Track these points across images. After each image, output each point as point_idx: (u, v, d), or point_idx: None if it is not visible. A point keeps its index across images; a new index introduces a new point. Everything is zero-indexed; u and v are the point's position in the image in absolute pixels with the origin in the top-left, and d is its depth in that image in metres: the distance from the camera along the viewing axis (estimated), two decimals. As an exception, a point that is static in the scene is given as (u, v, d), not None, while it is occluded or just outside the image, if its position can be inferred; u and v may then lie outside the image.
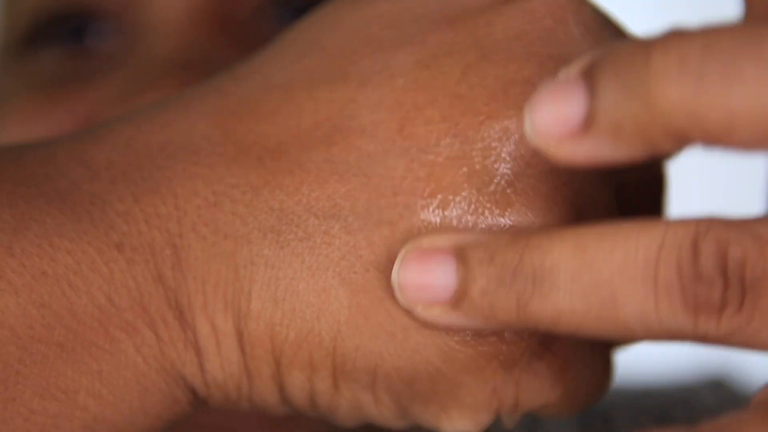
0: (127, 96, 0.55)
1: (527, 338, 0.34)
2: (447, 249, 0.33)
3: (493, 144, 0.34)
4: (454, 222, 0.34)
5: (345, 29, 0.36)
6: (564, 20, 0.35)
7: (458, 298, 0.33)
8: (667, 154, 0.32)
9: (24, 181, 0.35)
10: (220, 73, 0.37)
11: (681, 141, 0.30)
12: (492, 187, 0.34)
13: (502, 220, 0.34)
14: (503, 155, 0.34)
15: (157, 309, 0.34)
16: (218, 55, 0.55)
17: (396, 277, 0.33)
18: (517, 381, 0.34)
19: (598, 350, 0.36)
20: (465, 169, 0.34)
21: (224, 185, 0.34)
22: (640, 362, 0.73)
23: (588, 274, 0.31)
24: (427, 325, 0.34)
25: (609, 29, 0.36)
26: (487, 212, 0.34)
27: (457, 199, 0.34)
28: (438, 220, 0.34)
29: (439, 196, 0.34)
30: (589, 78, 0.30)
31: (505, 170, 0.34)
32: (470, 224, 0.34)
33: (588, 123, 0.30)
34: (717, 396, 0.73)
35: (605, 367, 0.36)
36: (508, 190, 0.34)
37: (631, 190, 0.39)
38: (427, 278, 0.33)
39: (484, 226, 0.34)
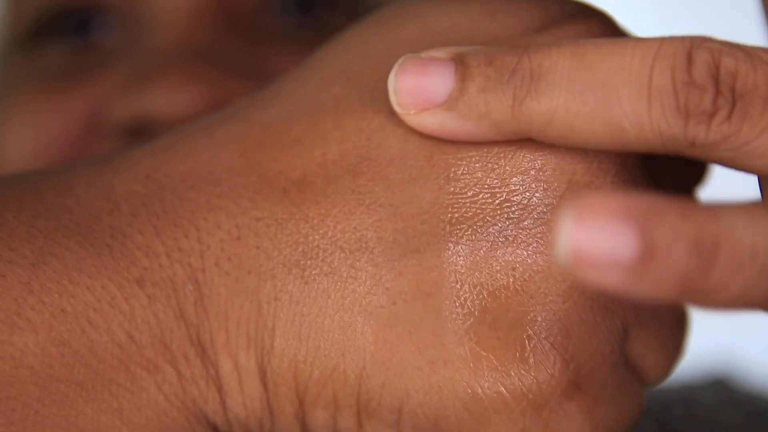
0: (131, 87, 0.54)
1: (558, 376, 0.33)
2: (446, 56, 0.33)
3: (525, 175, 0.33)
4: (484, 250, 0.33)
5: (371, 56, 0.35)
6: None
7: (454, 98, 0.33)
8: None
9: (42, 213, 0.34)
10: (242, 99, 0.36)
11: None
12: (526, 221, 0.33)
13: (531, 251, 0.33)
14: (535, 187, 0.33)
15: (178, 346, 0.33)
16: (222, 47, 0.55)
17: (391, 81, 0.33)
18: (546, 422, 0.34)
19: (627, 387, 0.35)
20: (495, 198, 0.33)
21: (248, 218, 0.34)
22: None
23: (584, 73, 0.31)
24: (418, 128, 0.33)
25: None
26: (516, 244, 0.33)
27: (487, 228, 0.33)
28: (468, 248, 0.33)
29: (468, 224, 0.33)
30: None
31: (536, 201, 0.33)
32: (500, 253, 0.33)
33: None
34: (718, 395, 0.73)
35: (634, 402, 0.36)
36: (539, 222, 0.33)
37: None
38: (424, 80, 0.33)
39: (512, 257, 0.33)
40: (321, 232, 0.34)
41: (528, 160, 0.33)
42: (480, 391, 0.33)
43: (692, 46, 0.31)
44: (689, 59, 0.31)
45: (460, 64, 0.33)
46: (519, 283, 0.33)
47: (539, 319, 0.33)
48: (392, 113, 0.34)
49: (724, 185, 0.44)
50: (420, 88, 0.33)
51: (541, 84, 0.32)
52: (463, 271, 0.33)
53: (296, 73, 0.36)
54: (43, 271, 0.33)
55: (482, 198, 0.33)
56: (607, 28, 0.35)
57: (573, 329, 0.33)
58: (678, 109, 0.31)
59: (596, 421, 0.34)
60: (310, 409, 0.34)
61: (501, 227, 0.33)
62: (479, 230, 0.33)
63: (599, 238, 0.27)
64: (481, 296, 0.33)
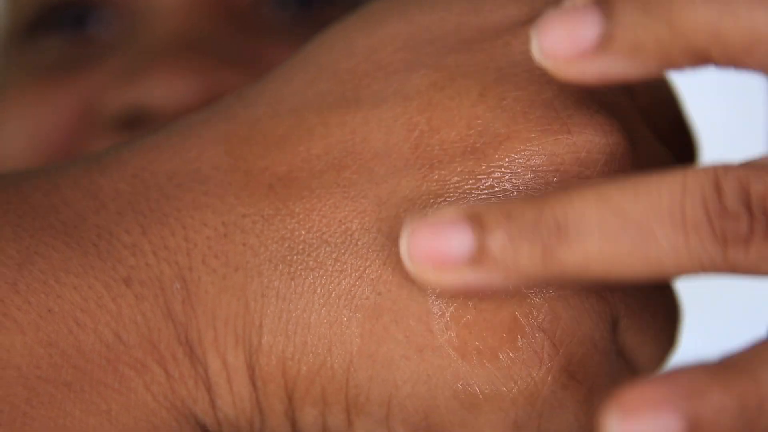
0: (125, 78, 0.54)
1: (547, 360, 0.33)
2: (458, 217, 0.31)
3: (513, 166, 0.33)
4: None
5: (357, 52, 0.35)
6: None
7: (476, 257, 0.31)
8: (682, 70, 0.32)
9: (29, 213, 0.34)
10: (228, 96, 0.36)
11: (700, 59, 0.31)
12: None
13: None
14: (524, 174, 0.33)
15: (166, 345, 0.33)
16: (218, 39, 0.55)
17: (404, 246, 0.31)
18: (540, 413, 0.34)
19: (621, 378, 0.35)
20: (480, 187, 0.33)
21: (234, 215, 0.34)
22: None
23: (615, 218, 0.31)
24: (440, 287, 0.32)
25: None
26: None
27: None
28: None
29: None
30: (604, 4, 0.31)
31: (524, 190, 0.33)
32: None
33: (604, 43, 0.31)
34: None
35: None
36: None
37: None
38: (440, 244, 0.31)
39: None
40: (307, 226, 0.33)
41: (515, 150, 0.33)
42: (469, 376, 0.33)
43: (717, 175, 0.31)
44: (718, 189, 0.31)
45: (477, 223, 0.31)
46: None
47: (527, 303, 0.33)
48: (376, 107, 0.34)
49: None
50: (437, 251, 0.31)
51: (571, 233, 0.31)
52: None
53: (282, 70, 0.36)
54: (29, 271, 0.33)
55: (468, 187, 0.33)
56: None
57: (561, 313, 0.33)
58: (715, 237, 0.31)
59: (592, 412, 0.34)
60: (299, 407, 0.34)
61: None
62: None
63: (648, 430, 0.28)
64: None
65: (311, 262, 0.33)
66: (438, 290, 0.33)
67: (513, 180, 0.33)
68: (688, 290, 0.43)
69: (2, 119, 0.58)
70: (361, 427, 0.34)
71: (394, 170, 0.33)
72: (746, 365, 0.29)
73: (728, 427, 0.28)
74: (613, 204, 0.31)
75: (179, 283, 0.33)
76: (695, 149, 0.39)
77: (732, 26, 0.30)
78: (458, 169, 0.33)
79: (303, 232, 0.33)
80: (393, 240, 0.33)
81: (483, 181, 0.33)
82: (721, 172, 0.31)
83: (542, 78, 0.34)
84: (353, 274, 0.33)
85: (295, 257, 0.33)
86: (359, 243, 0.33)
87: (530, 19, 0.34)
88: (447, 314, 0.33)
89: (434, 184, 0.33)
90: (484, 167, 0.33)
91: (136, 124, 0.53)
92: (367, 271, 0.33)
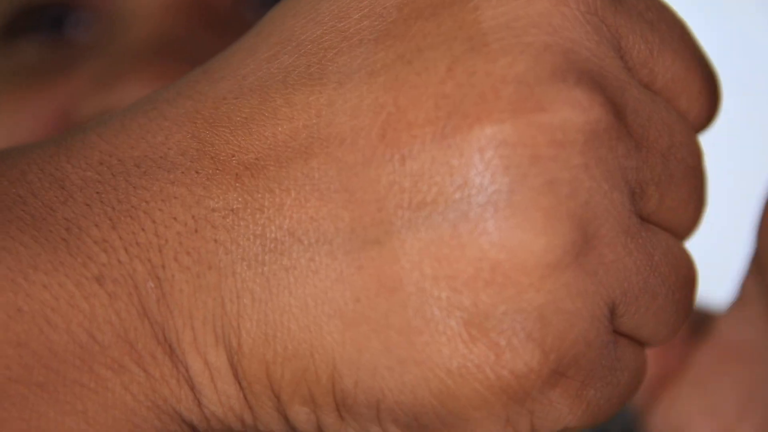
0: (104, 84, 0.53)
1: (537, 368, 0.31)
2: None
3: (485, 150, 0.31)
4: (446, 237, 0.31)
5: (321, 20, 0.33)
6: (563, 2, 0.32)
7: None
8: None
9: None
10: (195, 70, 0.34)
11: None
12: (489, 202, 0.31)
13: (497, 236, 0.31)
14: (497, 165, 0.31)
15: (144, 345, 0.32)
16: (197, 42, 0.54)
17: None
18: (531, 411, 0.32)
19: (621, 362, 0.34)
20: (454, 178, 0.31)
21: (203, 209, 0.32)
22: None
23: None
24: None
25: (619, 9, 0.33)
26: (480, 228, 0.31)
27: (448, 213, 0.31)
28: (429, 235, 0.31)
29: (428, 209, 0.31)
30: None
31: (499, 180, 0.31)
32: (463, 241, 0.31)
33: None
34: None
35: (632, 374, 0.34)
36: (504, 203, 0.31)
37: (654, 191, 0.34)
38: None
39: (478, 243, 0.31)
40: (277, 222, 0.32)
41: (486, 134, 0.31)
42: (454, 389, 0.31)
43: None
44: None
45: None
46: (487, 275, 0.31)
47: (512, 311, 0.31)
48: (341, 85, 0.32)
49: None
50: None
51: None
52: (426, 263, 0.31)
53: (246, 40, 0.34)
54: None
55: (441, 179, 0.31)
56: None
57: (551, 319, 0.31)
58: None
59: (586, 403, 0.33)
60: (288, 406, 0.33)
61: (463, 211, 0.31)
62: (440, 215, 0.31)
63: None
64: (448, 290, 0.31)
65: (285, 262, 0.32)
66: (417, 301, 0.31)
67: (484, 172, 0.31)
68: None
69: None
70: (355, 423, 0.33)
71: (364, 160, 0.31)
72: None
73: None
74: None
75: (153, 281, 0.32)
76: (712, 93, 0.36)
77: None
78: (429, 161, 0.31)
79: (274, 229, 0.32)
80: (368, 242, 0.31)
81: (457, 175, 0.31)
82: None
83: (516, 48, 0.31)
84: (329, 277, 0.31)
85: (267, 256, 0.32)
86: (333, 243, 0.31)
87: None
88: (429, 327, 0.31)
89: (407, 179, 0.31)
90: (455, 158, 0.31)
91: None
92: (343, 275, 0.31)
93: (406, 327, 0.31)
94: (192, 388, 0.32)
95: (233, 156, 0.32)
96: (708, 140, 0.38)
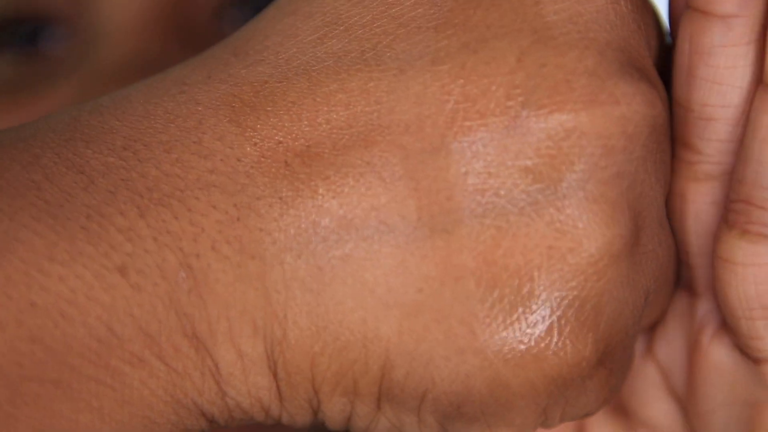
0: (80, 100, 0.51)
1: (589, 357, 0.32)
2: None
3: (560, 141, 0.31)
4: (515, 226, 0.31)
5: (369, 3, 0.32)
6: (616, 0, 0.32)
7: None
8: None
9: (5, 191, 0.30)
10: (221, 51, 0.32)
11: None
12: (559, 191, 0.31)
13: (567, 226, 0.31)
14: (571, 154, 0.31)
15: (168, 338, 0.30)
16: (173, 58, 0.53)
17: None
18: (567, 399, 0.32)
19: (633, 352, 0.34)
20: (527, 167, 0.31)
21: (247, 197, 0.30)
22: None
23: None
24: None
25: (651, 9, 0.34)
26: (551, 216, 0.31)
27: (519, 201, 0.31)
28: (498, 224, 0.30)
29: (499, 198, 0.30)
30: None
31: (572, 171, 0.31)
32: (532, 230, 0.31)
33: None
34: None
35: (632, 365, 0.35)
36: (575, 193, 0.31)
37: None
38: None
39: (549, 231, 0.31)
40: (332, 211, 0.30)
41: (560, 122, 0.31)
42: (509, 377, 0.31)
43: None
44: None
45: None
46: (554, 264, 0.31)
47: (573, 299, 0.31)
48: (402, 72, 0.31)
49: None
50: None
51: None
52: (495, 252, 0.31)
53: (283, 20, 0.32)
54: (8, 260, 0.29)
55: (512, 168, 0.31)
56: None
57: (605, 307, 0.32)
58: None
59: (609, 389, 0.33)
60: (326, 398, 0.31)
61: (534, 200, 0.31)
62: (511, 204, 0.31)
63: None
64: (514, 278, 0.31)
65: (340, 251, 0.30)
66: (482, 291, 0.31)
67: (558, 161, 0.31)
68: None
69: None
70: (391, 414, 0.32)
71: (432, 148, 0.30)
72: None
73: None
74: None
75: (185, 271, 0.30)
76: None
77: None
78: (501, 149, 0.31)
79: (328, 218, 0.30)
80: (436, 231, 0.30)
81: (529, 163, 0.31)
82: None
83: (581, 42, 0.31)
84: (389, 267, 0.31)
85: (320, 246, 0.30)
86: (396, 232, 0.30)
87: None
88: (492, 316, 0.31)
89: (478, 168, 0.31)
90: (529, 147, 0.31)
91: None
92: (405, 264, 0.30)
93: (469, 316, 0.31)
94: (217, 380, 0.31)
95: (280, 142, 0.31)
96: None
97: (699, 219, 0.34)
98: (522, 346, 0.31)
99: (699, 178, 0.34)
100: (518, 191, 0.31)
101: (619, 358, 0.33)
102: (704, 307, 0.35)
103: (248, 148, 0.30)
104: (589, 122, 0.31)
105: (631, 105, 0.31)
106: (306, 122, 0.31)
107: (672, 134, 0.34)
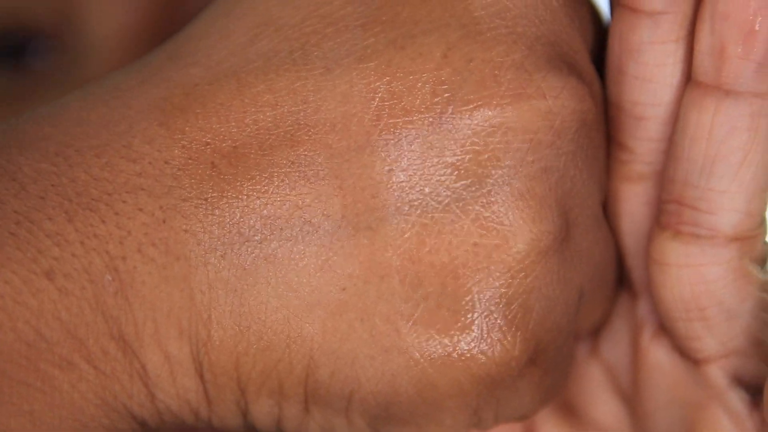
0: None
1: (518, 356, 0.31)
2: None
3: (486, 137, 0.30)
4: (441, 223, 0.30)
5: (300, 4, 0.32)
6: None
7: None
8: None
9: None
10: (159, 54, 0.33)
11: None
12: (485, 188, 0.31)
13: (493, 222, 0.31)
14: (497, 150, 0.30)
15: (96, 341, 0.30)
16: None
17: None
18: (498, 399, 0.32)
19: (571, 351, 0.34)
20: (453, 163, 0.30)
21: (174, 199, 0.30)
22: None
23: None
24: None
25: (587, 4, 0.34)
26: (477, 213, 0.31)
27: (445, 198, 0.30)
28: (423, 221, 0.30)
29: (425, 196, 0.30)
30: None
31: (498, 167, 0.31)
32: (458, 227, 0.30)
33: None
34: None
35: (573, 363, 0.35)
36: (503, 191, 0.31)
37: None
38: None
39: (474, 228, 0.31)
40: (257, 211, 0.30)
41: (487, 119, 0.30)
42: (435, 377, 0.31)
43: None
44: None
45: None
46: (480, 260, 0.31)
47: (500, 297, 0.31)
48: (328, 71, 0.31)
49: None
50: None
51: None
52: (420, 249, 0.31)
53: (216, 22, 0.33)
54: None
55: (438, 164, 0.30)
56: None
57: (534, 305, 0.31)
58: None
59: (544, 391, 0.33)
60: (253, 399, 0.31)
61: (460, 197, 0.31)
62: (437, 202, 0.30)
63: None
64: (439, 277, 0.31)
65: (264, 252, 0.30)
66: (407, 289, 0.31)
67: (485, 157, 0.31)
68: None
69: None
70: (319, 416, 0.32)
71: (357, 147, 0.30)
72: None
73: None
74: None
75: (111, 274, 0.30)
76: None
77: None
78: (427, 146, 0.30)
79: (253, 218, 0.30)
80: (360, 229, 0.30)
81: (455, 161, 0.31)
82: None
83: (509, 37, 0.31)
84: (313, 266, 0.30)
85: (244, 246, 0.30)
86: (320, 231, 0.30)
87: None
88: (417, 314, 0.31)
89: (402, 165, 0.30)
90: (454, 143, 0.30)
91: None
92: (329, 263, 0.30)
93: (393, 315, 0.31)
94: (146, 383, 0.31)
95: (208, 144, 0.31)
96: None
97: (633, 220, 0.34)
98: (448, 346, 0.31)
99: (632, 178, 0.34)
100: (444, 188, 0.30)
101: (553, 358, 0.32)
102: (643, 308, 0.35)
103: (176, 151, 0.31)
104: (515, 117, 0.30)
105: (558, 99, 0.31)
106: (234, 123, 0.31)
107: (607, 133, 0.34)
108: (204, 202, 0.30)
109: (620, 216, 0.34)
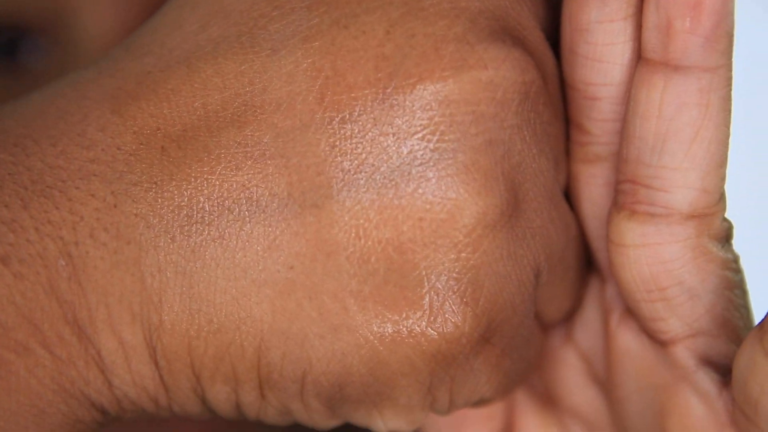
0: None
1: (468, 332, 0.31)
2: None
3: (428, 111, 0.31)
4: (387, 199, 0.31)
5: None
6: None
7: None
8: None
9: None
10: (117, 48, 0.33)
11: None
12: (430, 161, 0.31)
13: (439, 196, 0.31)
14: (440, 123, 0.31)
15: (51, 326, 0.30)
16: None
17: None
18: (452, 377, 0.32)
19: (533, 335, 0.34)
20: (396, 138, 0.31)
21: (125, 184, 0.31)
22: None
23: None
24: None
25: None
26: (423, 187, 0.31)
27: (390, 173, 0.31)
28: (369, 197, 0.30)
29: (369, 171, 0.31)
30: None
31: (443, 139, 0.31)
32: (404, 202, 0.31)
33: None
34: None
35: (538, 349, 0.35)
36: (446, 163, 0.31)
37: (565, 164, 0.35)
38: None
39: (420, 203, 0.31)
40: (206, 192, 0.31)
41: (430, 92, 0.31)
42: (386, 355, 0.31)
43: None
44: None
45: None
46: (427, 235, 0.31)
47: (448, 273, 0.31)
48: (274, 52, 0.31)
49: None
50: None
51: None
52: (366, 225, 0.31)
53: (171, 13, 0.33)
54: None
55: (383, 140, 0.31)
56: None
57: (484, 281, 0.31)
58: None
59: (503, 373, 0.33)
60: (208, 385, 0.31)
61: (405, 171, 0.31)
62: (382, 177, 0.31)
63: None
64: (386, 252, 0.31)
65: (213, 232, 0.31)
66: (354, 266, 0.31)
67: (428, 130, 0.31)
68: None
69: None
70: (275, 401, 0.32)
71: (301, 125, 0.31)
72: None
73: None
74: None
75: (64, 259, 0.30)
76: None
77: None
78: (371, 122, 0.31)
79: (201, 199, 0.31)
80: (306, 207, 0.31)
81: (400, 135, 0.31)
82: None
83: (452, 11, 0.31)
84: (261, 245, 0.31)
85: (193, 227, 0.31)
86: (267, 210, 0.31)
87: None
88: (365, 291, 0.31)
89: (347, 142, 0.31)
90: (397, 117, 0.31)
91: None
92: (276, 242, 0.31)
93: (341, 292, 0.31)
94: (102, 369, 0.31)
95: (159, 129, 0.31)
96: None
97: (593, 201, 0.34)
98: (397, 322, 0.31)
99: (590, 160, 0.33)
100: (389, 163, 0.31)
101: (510, 338, 0.32)
102: (610, 292, 0.35)
103: (128, 137, 0.31)
104: (457, 89, 0.31)
105: (500, 70, 0.31)
106: (183, 108, 0.31)
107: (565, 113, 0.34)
108: (154, 186, 0.31)
109: (581, 199, 0.34)
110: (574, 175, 0.34)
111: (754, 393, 0.30)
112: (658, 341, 0.33)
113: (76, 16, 0.55)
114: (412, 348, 0.31)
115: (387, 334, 0.31)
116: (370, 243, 0.31)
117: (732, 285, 0.33)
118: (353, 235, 0.30)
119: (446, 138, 0.31)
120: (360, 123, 0.31)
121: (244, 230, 0.31)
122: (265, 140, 0.31)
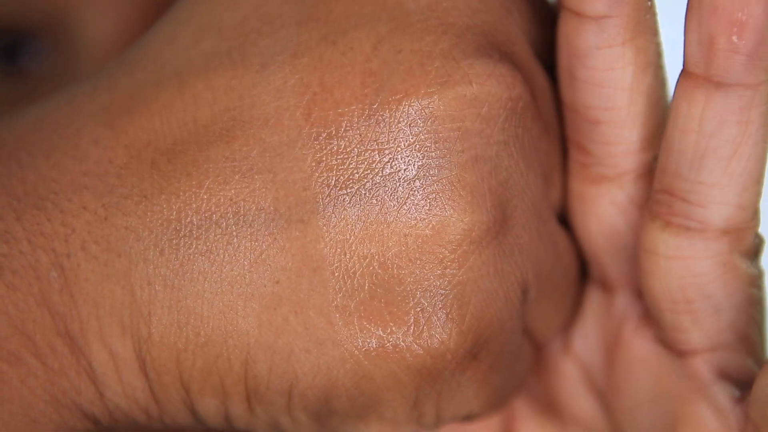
0: None
1: (454, 349, 0.31)
2: None
3: (414, 126, 0.31)
4: (373, 215, 0.31)
5: (242, 6, 0.33)
6: None
7: None
8: None
9: None
10: (111, 63, 0.34)
11: None
12: (414, 176, 0.31)
13: (425, 212, 0.31)
14: (426, 139, 0.31)
15: (43, 337, 0.31)
16: None
17: None
18: (439, 392, 0.32)
19: (521, 352, 0.34)
20: (382, 154, 0.31)
21: (116, 196, 0.31)
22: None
23: None
24: None
25: None
26: (408, 203, 0.31)
27: (376, 189, 0.31)
28: (355, 213, 0.31)
29: (355, 187, 0.31)
30: None
31: (428, 156, 0.31)
32: (390, 218, 0.31)
33: None
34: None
35: (526, 366, 0.35)
36: (432, 179, 0.31)
37: (558, 179, 0.35)
38: None
39: (405, 218, 0.31)
40: (194, 206, 0.31)
41: (415, 109, 0.31)
42: (371, 369, 0.31)
43: None
44: None
45: None
46: (412, 251, 0.31)
47: (434, 289, 0.31)
48: (264, 67, 0.31)
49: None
50: None
51: None
52: (351, 240, 0.31)
53: (164, 28, 0.34)
54: None
55: (369, 156, 0.31)
56: None
57: (470, 297, 0.31)
58: None
59: (490, 389, 0.33)
60: (197, 397, 0.32)
61: (391, 187, 0.31)
62: (368, 193, 0.31)
63: None
64: (371, 268, 0.31)
65: (201, 246, 0.31)
66: (340, 281, 0.31)
67: (413, 146, 0.31)
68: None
69: None
70: (263, 414, 0.32)
71: (288, 140, 0.31)
72: None
73: None
74: None
75: (56, 271, 0.31)
76: None
77: None
78: (357, 138, 0.31)
79: (189, 213, 0.31)
80: (292, 222, 0.31)
81: (386, 151, 0.31)
82: None
83: (439, 28, 0.31)
84: (248, 260, 0.31)
85: (182, 241, 0.31)
86: (254, 225, 0.31)
87: None
88: (350, 306, 0.31)
89: (334, 157, 0.31)
90: (383, 134, 0.31)
91: None
92: (263, 257, 0.31)
93: (326, 307, 0.31)
94: (94, 380, 0.31)
95: (150, 143, 0.32)
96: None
97: (601, 219, 0.34)
98: (382, 337, 0.31)
99: (595, 180, 0.33)
100: (374, 179, 0.31)
101: (498, 354, 0.32)
102: (622, 303, 0.35)
103: (119, 150, 0.32)
104: (442, 105, 0.31)
105: (485, 86, 0.31)
106: (174, 122, 0.32)
107: (565, 135, 0.34)
108: (144, 200, 0.31)
109: (588, 216, 0.34)
110: (579, 194, 0.34)
111: None
112: (676, 351, 0.33)
113: (77, 21, 0.55)
114: (397, 363, 0.31)
115: (372, 348, 0.31)
116: (355, 258, 0.31)
117: (755, 301, 0.33)
118: (339, 250, 0.31)
119: (432, 154, 0.31)
120: (346, 139, 0.31)
121: (231, 244, 0.31)
122: (253, 155, 0.31)
